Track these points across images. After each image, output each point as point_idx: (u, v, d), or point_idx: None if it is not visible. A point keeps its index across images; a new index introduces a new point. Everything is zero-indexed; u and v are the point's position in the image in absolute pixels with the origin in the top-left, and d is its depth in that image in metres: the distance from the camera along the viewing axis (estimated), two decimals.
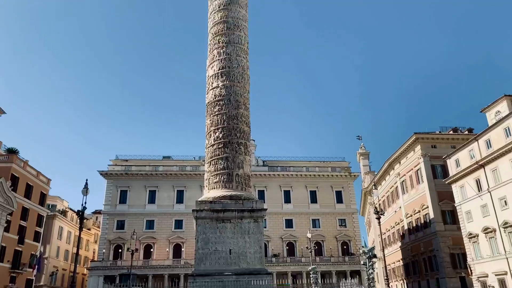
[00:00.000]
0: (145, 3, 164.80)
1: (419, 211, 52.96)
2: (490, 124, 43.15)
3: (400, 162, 59.20)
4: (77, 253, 25.41)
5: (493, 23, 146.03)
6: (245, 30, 34.77)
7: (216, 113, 31.35)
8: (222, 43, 33.26)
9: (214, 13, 34.71)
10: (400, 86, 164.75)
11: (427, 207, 50.70)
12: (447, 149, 50.56)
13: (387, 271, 61.54)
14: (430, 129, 57.05)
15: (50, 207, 65.81)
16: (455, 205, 46.79)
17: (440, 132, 55.33)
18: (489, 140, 41.62)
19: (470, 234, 43.62)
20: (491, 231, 40.55)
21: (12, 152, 51.50)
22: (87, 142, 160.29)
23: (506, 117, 39.49)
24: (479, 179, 42.96)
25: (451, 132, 55.51)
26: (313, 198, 66.54)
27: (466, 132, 54.69)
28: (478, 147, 43.10)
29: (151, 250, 61.22)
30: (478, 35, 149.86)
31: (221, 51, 32.99)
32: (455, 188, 46.94)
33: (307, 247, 54.34)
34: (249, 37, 35.27)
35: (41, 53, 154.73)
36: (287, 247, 63.35)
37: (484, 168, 41.96)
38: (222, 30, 33.66)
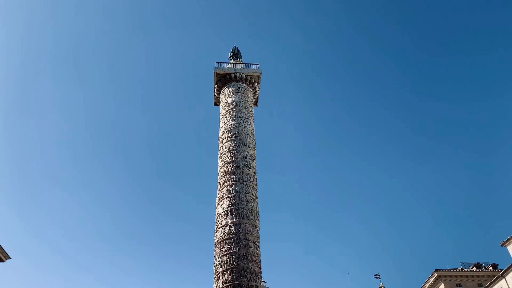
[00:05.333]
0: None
1: None
2: None
3: None
4: None
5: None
6: (254, 169, 35.73)
7: (225, 252, 30.13)
8: (231, 181, 33.89)
9: (224, 154, 36.21)
10: (414, 218, 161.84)
11: None
12: None
13: None
14: (450, 264, 54.03)
15: None
16: None
17: (462, 268, 52.24)
18: None
19: None
20: None
21: None
22: None
23: None
24: None
25: (474, 268, 52.33)
26: None
27: (491, 268, 51.60)
28: (507, 285, 40.01)
29: None
30: (488, 167, 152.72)
31: (231, 189, 33.39)
32: None
33: None
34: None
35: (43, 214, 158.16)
36: None
37: None
38: (231, 169, 34.63)
